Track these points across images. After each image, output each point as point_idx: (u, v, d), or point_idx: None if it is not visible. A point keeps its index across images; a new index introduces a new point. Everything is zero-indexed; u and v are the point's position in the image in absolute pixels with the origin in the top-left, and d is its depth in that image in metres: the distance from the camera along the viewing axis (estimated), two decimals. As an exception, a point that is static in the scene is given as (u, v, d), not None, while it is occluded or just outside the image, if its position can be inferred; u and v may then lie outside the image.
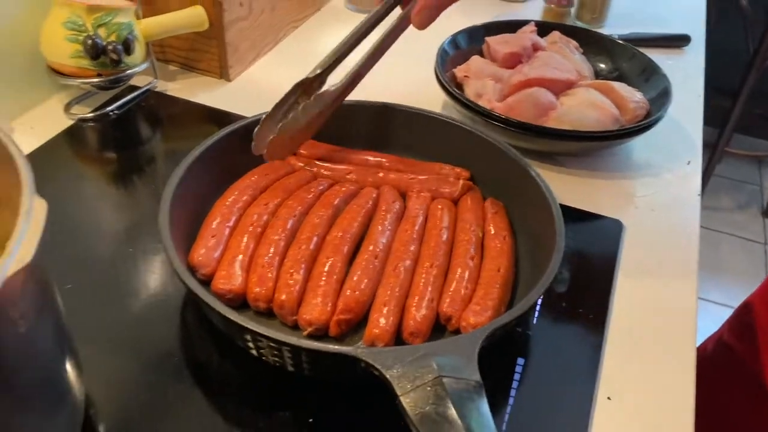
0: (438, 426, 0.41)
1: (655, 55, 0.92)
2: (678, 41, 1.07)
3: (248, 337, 0.50)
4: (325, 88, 0.67)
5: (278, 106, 0.66)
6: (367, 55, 0.67)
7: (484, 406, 0.43)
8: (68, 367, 0.44)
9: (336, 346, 0.47)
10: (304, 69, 0.67)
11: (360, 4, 1.11)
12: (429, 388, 0.44)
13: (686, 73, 1.00)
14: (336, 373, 0.51)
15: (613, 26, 1.12)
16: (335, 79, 0.67)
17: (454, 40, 0.89)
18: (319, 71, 0.66)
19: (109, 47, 0.75)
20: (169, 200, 0.57)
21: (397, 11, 0.69)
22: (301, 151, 0.71)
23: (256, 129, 0.65)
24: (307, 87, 0.66)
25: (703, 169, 2.19)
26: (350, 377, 0.51)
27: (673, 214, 0.74)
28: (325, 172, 0.69)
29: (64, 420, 0.45)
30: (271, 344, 0.49)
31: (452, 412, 0.42)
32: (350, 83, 0.67)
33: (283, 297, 0.55)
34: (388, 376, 0.45)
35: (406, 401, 0.43)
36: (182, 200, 0.59)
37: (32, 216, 0.36)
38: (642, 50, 0.90)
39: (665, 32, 1.09)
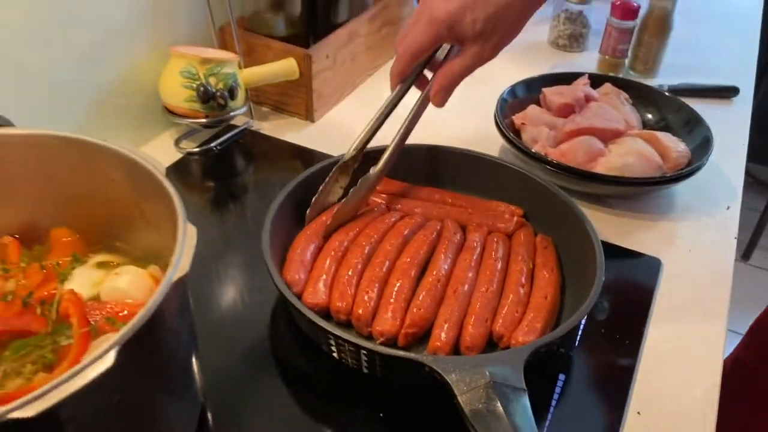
0: (487, 420, 0.51)
1: (704, 105, 1.00)
2: (727, 92, 1.14)
3: (332, 341, 0.61)
4: (369, 171, 0.76)
5: (323, 190, 0.76)
6: (399, 136, 0.76)
7: (527, 407, 0.53)
8: (194, 359, 0.56)
9: (407, 353, 0.58)
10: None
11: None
12: (481, 391, 0.53)
13: (733, 123, 1.07)
14: (403, 376, 0.61)
15: (666, 77, 1.19)
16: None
17: (512, 90, 0.99)
18: (353, 153, 0.76)
19: (218, 93, 0.88)
20: (269, 227, 0.69)
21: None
22: (376, 187, 0.82)
23: (308, 211, 0.76)
24: (344, 168, 0.77)
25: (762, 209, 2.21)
26: (415, 380, 0.61)
27: (709, 255, 0.81)
28: (396, 206, 0.80)
29: (189, 403, 0.56)
30: (351, 348, 0.60)
31: (500, 409, 0.51)
32: (388, 163, 0.76)
33: (360, 311, 0.66)
34: (448, 380, 0.54)
35: (462, 400, 0.53)
36: (277, 226, 0.71)
37: (187, 237, 0.48)
38: (691, 100, 0.98)
39: (715, 83, 1.16)
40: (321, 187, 0.76)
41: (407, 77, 0.74)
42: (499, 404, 0.52)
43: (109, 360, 0.39)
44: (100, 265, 0.60)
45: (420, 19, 0.68)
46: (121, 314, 0.54)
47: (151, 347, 0.45)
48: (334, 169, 0.77)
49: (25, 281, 0.58)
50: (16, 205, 0.61)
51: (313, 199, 0.76)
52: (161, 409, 0.51)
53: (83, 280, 0.58)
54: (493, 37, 0.67)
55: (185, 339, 0.53)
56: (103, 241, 0.62)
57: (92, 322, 0.53)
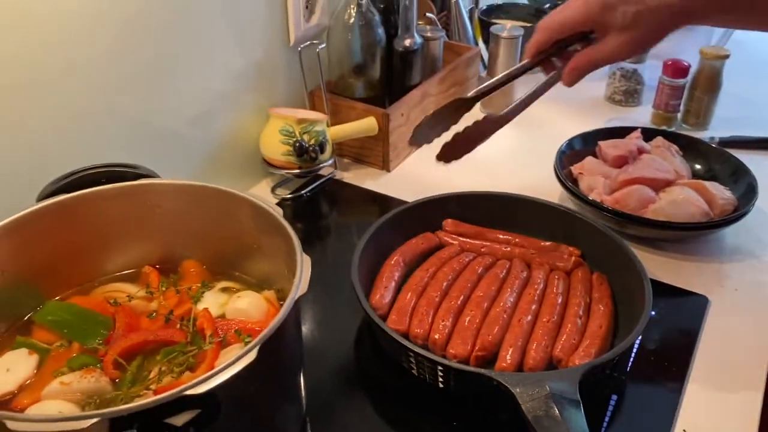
0: (546, 424, 0.60)
1: (754, 156, 1.08)
2: (776, 143, 1.21)
3: (413, 359, 0.72)
4: (492, 113, 0.83)
5: (436, 113, 0.81)
6: (525, 98, 0.81)
7: (582, 415, 0.62)
8: (302, 373, 0.68)
9: (478, 369, 0.68)
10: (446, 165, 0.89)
11: (492, 108, 1.35)
12: (542, 401, 0.63)
13: (781, 173, 1.13)
14: (474, 390, 0.71)
15: (717, 129, 1.27)
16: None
17: (570, 143, 1.10)
18: (474, 95, 0.81)
19: (310, 148, 1.02)
20: (357, 260, 0.81)
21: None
22: (448, 229, 0.93)
23: (414, 128, 0.81)
24: (460, 105, 0.81)
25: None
26: (484, 393, 0.70)
27: (754, 294, 0.88)
28: (466, 246, 0.91)
29: (297, 409, 0.68)
30: (429, 365, 0.70)
31: (558, 415, 0.61)
32: (505, 117, 0.82)
33: (437, 336, 0.77)
34: (513, 392, 0.64)
35: (525, 408, 0.62)
36: (363, 259, 0.83)
37: (304, 264, 0.60)
38: (741, 151, 1.06)
39: (765, 135, 1.23)
40: (434, 111, 0.80)
41: (543, 52, 0.77)
42: (557, 411, 0.61)
43: (252, 356, 0.51)
44: (224, 290, 0.73)
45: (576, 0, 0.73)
46: (244, 329, 0.67)
47: (278, 352, 0.57)
48: (452, 101, 0.80)
49: (164, 302, 0.72)
50: (158, 241, 0.75)
51: (424, 117, 0.81)
52: (279, 409, 0.63)
53: (211, 302, 0.71)
54: (635, 32, 0.70)
55: (297, 352, 0.65)
56: (225, 271, 0.76)
57: (222, 335, 0.66)
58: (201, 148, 1.01)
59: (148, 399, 0.47)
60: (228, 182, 1.04)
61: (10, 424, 0.45)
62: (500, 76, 0.82)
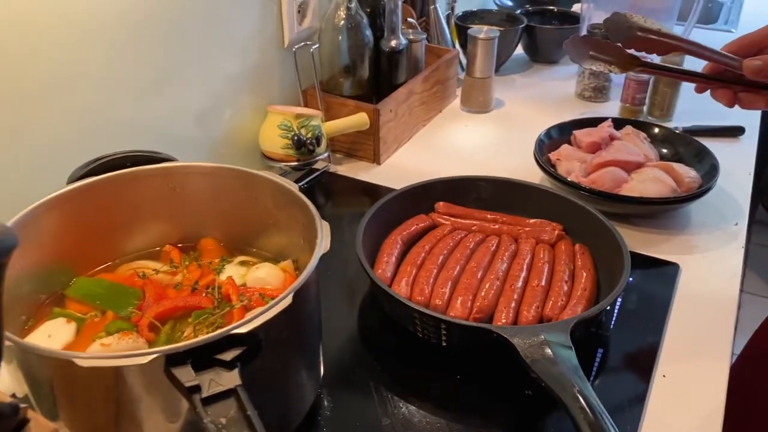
0: (542, 363, 0.68)
1: (715, 143, 1.18)
2: (734, 132, 1.32)
3: (418, 320, 0.78)
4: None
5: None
6: (694, 42, 0.76)
7: (574, 357, 0.69)
8: (321, 341, 0.74)
9: (479, 323, 0.75)
10: (433, 155, 0.96)
11: (472, 106, 1.43)
12: (538, 347, 0.70)
13: (739, 157, 1.24)
14: (475, 344, 0.78)
15: (680, 120, 1.37)
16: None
17: (548, 132, 1.18)
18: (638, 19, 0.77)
19: (308, 141, 1.09)
20: (361, 235, 0.88)
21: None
22: (440, 211, 1.01)
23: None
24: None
25: None
26: (484, 346, 0.77)
27: (719, 260, 0.98)
28: (458, 225, 0.98)
29: (315, 373, 0.74)
30: (432, 324, 0.77)
31: (552, 356, 0.68)
32: (666, 41, 0.76)
33: (438, 301, 0.84)
34: (512, 341, 0.71)
35: (523, 354, 0.70)
36: (365, 237, 0.89)
37: (323, 228, 0.66)
38: (703, 139, 1.16)
39: (724, 124, 1.33)
40: (612, 43, 0.77)
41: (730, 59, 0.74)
42: (551, 353, 0.69)
43: (288, 300, 0.57)
44: (243, 263, 0.79)
45: None
46: (266, 294, 0.73)
47: (306, 302, 0.64)
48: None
49: (188, 275, 0.77)
50: (178, 220, 0.81)
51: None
52: (305, 359, 0.69)
53: (232, 273, 0.77)
54: None
55: (318, 311, 0.71)
56: (242, 247, 0.82)
57: (246, 299, 0.72)
58: (204, 145, 1.07)
59: (201, 337, 0.53)
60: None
61: (78, 362, 0.51)
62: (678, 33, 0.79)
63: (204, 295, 0.73)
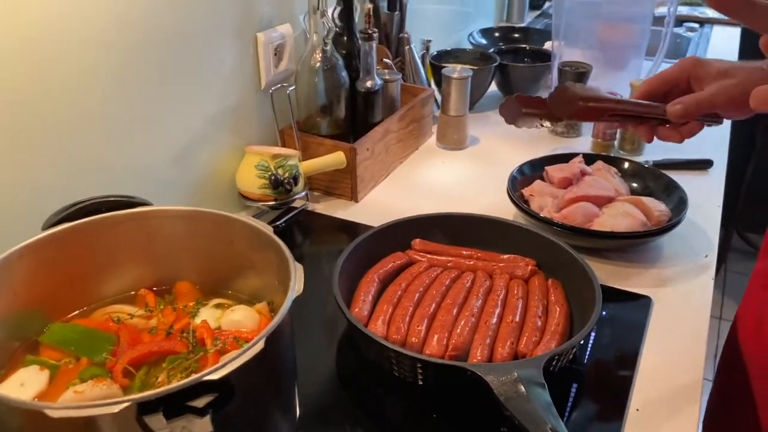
0: (516, 400, 0.68)
1: (684, 176, 1.21)
2: (703, 164, 1.35)
3: (394, 360, 0.79)
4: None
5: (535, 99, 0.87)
6: (625, 100, 0.86)
7: (546, 393, 0.70)
8: (296, 380, 0.74)
9: (453, 362, 0.76)
10: (410, 192, 0.97)
11: (447, 143, 1.46)
12: (512, 384, 0.71)
13: (708, 189, 1.27)
14: (451, 382, 0.79)
15: (651, 153, 1.40)
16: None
17: (521, 169, 1.21)
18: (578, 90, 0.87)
19: (285, 181, 1.10)
20: (337, 276, 0.89)
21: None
22: (416, 248, 1.02)
23: (506, 98, 0.88)
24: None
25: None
26: (460, 385, 0.78)
27: (691, 293, 0.99)
28: (434, 262, 0.99)
29: (291, 415, 0.74)
30: (409, 363, 0.78)
31: (525, 393, 0.69)
32: (606, 105, 0.85)
33: (414, 339, 0.84)
34: (486, 379, 0.72)
35: (497, 392, 0.70)
36: (342, 276, 0.90)
37: (297, 270, 0.67)
38: (673, 172, 1.19)
39: (693, 158, 1.37)
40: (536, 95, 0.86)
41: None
42: (524, 391, 0.69)
43: (260, 345, 0.57)
44: (218, 306, 0.80)
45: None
46: (241, 337, 0.73)
47: (279, 346, 0.64)
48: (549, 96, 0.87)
49: (163, 319, 0.77)
50: (153, 264, 0.81)
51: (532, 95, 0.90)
52: (279, 402, 0.69)
53: (207, 316, 0.77)
54: (728, 80, 0.75)
55: (292, 353, 0.72)
56: (217, 290, 0.82)
57: (220, 343, 0.72)
58: (182, 185, 1.08)
59: (173, 384, 0.53)
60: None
61: (49, 412, 0.51)
62: (614, 100, 0.87)
63: (179, 339, 0.73)
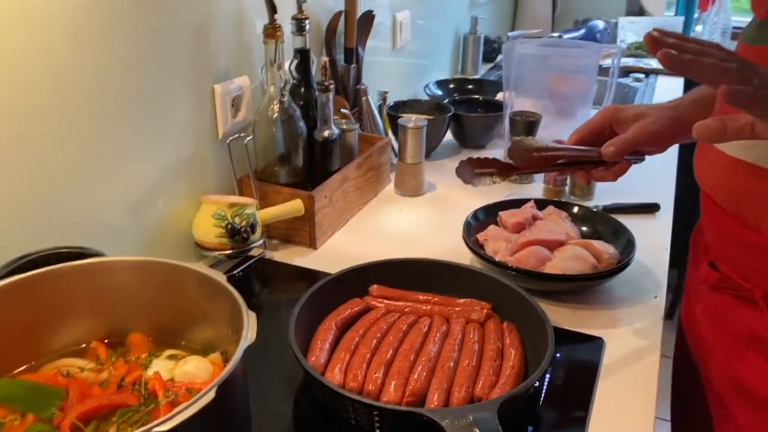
0: (473, 446, 0.69)
1: (632, 219, 1.25)
2: (650, 208, 1.40)
3: (350, 408, 0.79)
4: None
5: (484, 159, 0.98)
6: (569, 147, 0.95)
7: (502, 438, 0.71)
8: (250, 423, 0.73)
9: (408, 408, 0.76)
10: (369, 238, 0.98)
11: (405, 190, 1.48)
12: (466, 428, 0.71)
13: (656, 232, 1.31)
14: (408, 428, 0.79)
15: (601, 198, 1.45)
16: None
17: (475, 215, 1.23)
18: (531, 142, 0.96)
19: (242, 230, 1.11)
20: (294, 325, 0.88)
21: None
22: (374, 294, 1.03)
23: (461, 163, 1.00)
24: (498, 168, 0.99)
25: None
26: (417, 430, 0.78)
27: (642, 333, 1.02)
28: (392, 308, 1.00)
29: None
30: (366, 411, 0.77)
31: (481, 438, 0.69)
32: (555, 154, 0.94)
33: (371, 387, 0.84)
34: (442, 424, 0.72)
35: (453, 436, 0.71)
36: (298, 325, 0.90)
37: (250, 318, 0.67)
38: (622, 216, 1.23)
39: (641, 201, 1.42)
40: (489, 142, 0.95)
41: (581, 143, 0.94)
42: (480, 434, 0.70)
43: (211, 395, 0.57)
44: (171, 357, 0.79)
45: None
46: (194, 388, 0.72)
47: (231, 396, 0.64)
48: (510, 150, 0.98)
49: (115, 372, 0.76)
50: (105, 316, 0.81)
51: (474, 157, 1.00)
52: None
53: (160, 368, 0.76)
54: (645, 119, 0.89)
55: (245, 403, 0.71)
56: (170, 341, 0.82)
57: (172, 394, 0.71)
58: (137, 235, 1.07)
59: (120, 437, 0.53)
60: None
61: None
62: (558, 149, 0.95)
63: (130, 391, 0.72)
